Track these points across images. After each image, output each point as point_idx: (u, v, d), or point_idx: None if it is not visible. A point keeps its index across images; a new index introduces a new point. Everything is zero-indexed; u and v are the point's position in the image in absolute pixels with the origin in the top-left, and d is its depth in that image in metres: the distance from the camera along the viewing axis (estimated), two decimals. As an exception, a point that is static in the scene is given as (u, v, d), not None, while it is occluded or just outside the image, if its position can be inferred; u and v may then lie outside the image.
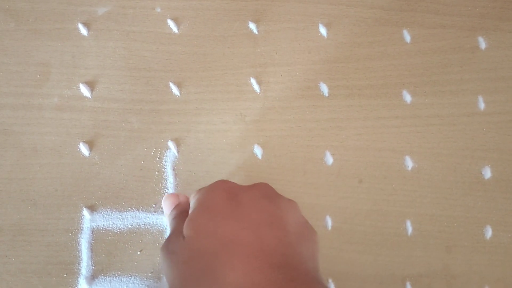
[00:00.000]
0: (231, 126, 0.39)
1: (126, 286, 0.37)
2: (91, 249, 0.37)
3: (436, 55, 0.41)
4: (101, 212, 0.38)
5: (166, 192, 0.38)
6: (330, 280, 0.38)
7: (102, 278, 0.37)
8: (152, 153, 0.38)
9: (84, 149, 0.38)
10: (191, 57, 0.39)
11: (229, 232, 0.26)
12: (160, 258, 0.30)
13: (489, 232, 0.39)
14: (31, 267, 0.37)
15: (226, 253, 0.26)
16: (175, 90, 0.39)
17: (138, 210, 0.38)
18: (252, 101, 0.39)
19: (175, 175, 0.38)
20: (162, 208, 0.37)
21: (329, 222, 0.38)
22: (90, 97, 0.38)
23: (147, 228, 0.38)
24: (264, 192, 0.29)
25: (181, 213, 0.32)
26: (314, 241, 0.29)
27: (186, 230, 0.28)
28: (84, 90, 0.38)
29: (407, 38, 0.41)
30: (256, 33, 0.40)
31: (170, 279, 0.27)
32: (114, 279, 0.37)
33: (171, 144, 0.38)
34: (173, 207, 0.34)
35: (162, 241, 0.37)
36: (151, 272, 0.37)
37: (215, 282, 0.25)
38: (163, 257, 0.28)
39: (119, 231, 0.37)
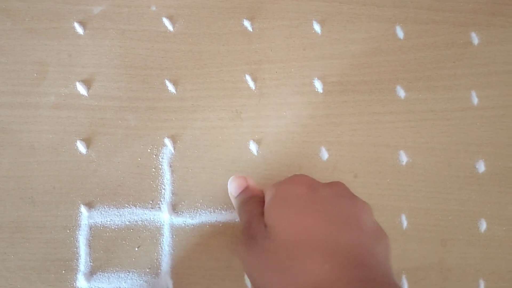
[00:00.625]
0: (227, 123, 0.39)
1: (124, 282, 0.37)
2: (89, 245, 0.37)
3: (429, 51, 0.41)
4: (98, 209, 0.38)
5: (163, 189, 0.38)
6: (326, 274, 0.38)
7: (100, 275, 0.37)
8: (149, 150, 0.39)
9: (81, 147, 0.38)
10: (187, 55, 0.40)
11: (312, 225, 0.27)
12: (239, 242, 0.29)
13: (483, 226, 0.40)
14: (29, 264, 0.37)
15: (308, 246, 0.26)
16: (171, 87, 0.39)
17: (136, 206, 0.38)
18: (248, 97, 0.40)
19: (172, 171, 0.39)
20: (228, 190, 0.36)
21: (325, 216, 0.39)
22: (87, 95, 0.39)
23: (145, 224, 0.38)
24: (342, 191, 0.30)
25: (252, 198, 0.32)
26: (387, 245, 0.29)
27: (268, 219, 0.28)
28: (81, 89, 0.39)
29: (400, 34, 0.41)
30: (251, 30, 0.40)
31: (249, 264, 0.28)
32: (112, 275, 0.37)
33: (167, 141, 0.39)
34: (241, 190, 0.34)
35: (160, 238, 0.38)
36: (149, 268, 0.38)
37: (296, 274, 0.25)
38: (243, 241, 0.29)
39: (116, 228, 0.38)
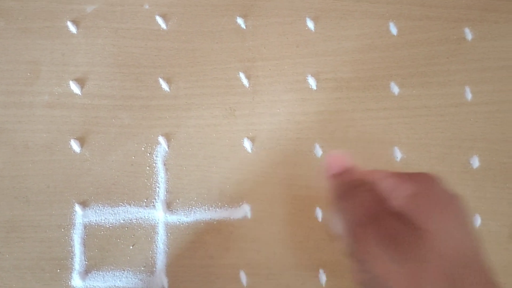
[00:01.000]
0: (220, 121, 0.39)
1: (119, 281, 0.37)
2: (83, 244, 0.38)
3: (423, 47, 0.41)
4: (93, 208, 0.38)
5: (158, 187, 0.38)
6: (321, 271, 0.38)
7: (95, 273, 0.37)
8: (143, 149, 0.39)
9: (75, 146, 0.38)
10: (180, 53, 0.40)
11: (465, 239, 0.23)
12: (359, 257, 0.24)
13: (478, 221, 0.40)
14: (24, 263, 0.37)
15: (467, 265, 0.23)
16: (164, 85, 0.39)
17: (130, 205, 0.38)
18: (241, 95, 0.40)
19: (166, 169, 0.39)
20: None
21: (320, 213, 0.39)
22: (80, 94, 0.39)
23: (139, 222, 0.38)
24: (446, 191, 0.25)
25: (363, 185, 0.26)
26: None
27: (426, 223, 0.23)
28: (74, 87, 0.39)
29: (394, 30, 0.41)
30: (244, 28, 0.40)
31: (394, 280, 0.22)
32: (107, 273, 0.37)
33: (161, 139, 0.39)
34: (344, 170, 0.27)
35: (154, 236, 0.38)
36: (144, 266, 0.38)
37: None
38: (375, 251, 0.23)
39: (111, 226, 0.38)
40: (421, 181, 0.25)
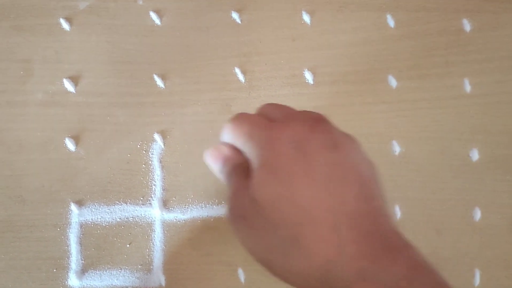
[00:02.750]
0: (216, 117, 0.39)
1: (117, 279, 0.37)
2: (80, 243, 0.37)
3: (421, 39, 0.40)
4: (89, 207, 0.38)
5: (154, 185, 0.38)
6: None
7: (92, 272, 0.37)
8: (139, 146, 0.38)
9: (70, 144, 0.38)
10: (175, 49, 0.39)
11: (308, 196, 0.24)
12: (230, 223, 0.26)
13: (478, 214, 0.39)
14: (20, 263, 0.37)
15: (311, 222, 0.23)
16: (159, 82, 0.39)
17: (126, 203, 0.38)
18: (238, 90, 0.39)
19: (162, 167, 0.38)
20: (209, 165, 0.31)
21: (318, 209, 0.38)
22: (74, 92, 0.38)
23: (136, 221, 0.38)
24: (328, 136, 0.25)
25: (235, 167, 0.28)
26: (376, 175, 0.26)
27: (259, 194, 0.24)
28: (68, 85, 0.38)
29: (391, 22, 0.40)
30: (239, 22, 0.40)
31: (252, 247, 0.25)
32: (104, 272, 0.37)
33: (157, 137, 0.38)
34: (223, 162, 0.29)
35: (151, 234, 0.38)
36: (141, 264, 0.37)
37: (303, 255, 0.23)
38: (233, 223, 0.26)
39: (107, 225, 0.37)
40: (257, 156, 0.26)
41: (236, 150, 0.29)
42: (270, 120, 0.27)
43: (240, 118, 0.27)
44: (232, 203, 0.26)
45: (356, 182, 0.24)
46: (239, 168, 0.28)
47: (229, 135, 0.28)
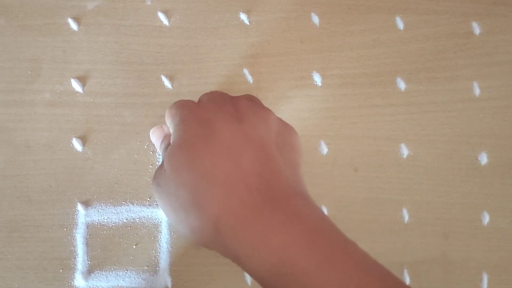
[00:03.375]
0: (224, 118, 0.39)
1: (123, 280, 0.37)
2: (86, 244, 0.37)
3: (430, 42, 0.40)
4: (95, 207, 0.37)
5: (161, 186, 0.38)
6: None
7: (98, 273, 0.37)
8: (146, 147, 0.38)
9: (77, 144, 0.38)
10: (183, 50, 0.39)
11: (206, 163, 0.27)
12: (152, 188, 0.30)
13: (486, 218, 0.39)
14: (27, 263, 0.37)
15: (206, 184, 0.26)
16: (167, 83, 0.39)
17: (133, 204, 0.38)
18: (245, 92, 0.39)
19: (169, 168, 0.38)
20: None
21: (325, 211, 0.38)
22: (82, 92, 0.38)
23: (142, 222, 0.38)
24: (234, 112, 0.29)
25: (168, 144, 0.32)
26: (293, 145, 0.30)
27: (165, 164, 0.28)
28: (76, 85, 0.38)
29: (400, 25, 0.40)
30: (248, 23, 0.40)
31: (164, 209, 0.29)
32: (110, 273, 0.37)
33: (164, 137, 0.38)
34: (161, 140, 0.33)
35: (158, 235, 0.37)
36: (147, 266, 0.37)
37: (200, 213, 0.26)
38: (153, 188, 0.30)
39: (114, 226, 0.37)
40: (172, 133, 0.30)
41: None
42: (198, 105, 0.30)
43: (175, 103, 0.31)
44: (155, 174, 0.30)
45: (253, 147, 0.27)
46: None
47: (166, 117, 0.31)
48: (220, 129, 0.28)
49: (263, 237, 0.24)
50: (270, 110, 0.30)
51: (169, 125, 0.31)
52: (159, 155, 0.38)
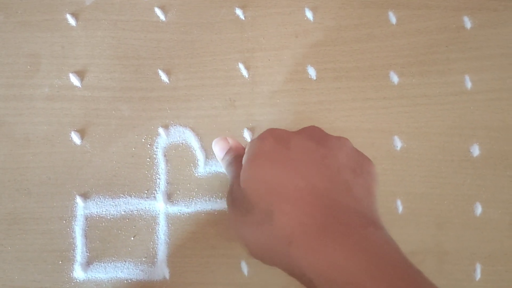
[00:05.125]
0: (220, 111, 0.39)
1: (121, 272, 0.37)
2: (85, 236, 0.38)
3: (422, 36, 0.41)
4: (94, 199, 0.38)
5: (158, 178, 0.38)
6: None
7: (97, 264, 0.37)
8: (143, 140, 0.39)
9: (75, 138, 0.38)
10: (179, 44, 0.40)
11: (279, 177, 0.27)
12: (227, 205, 0.30)
13: (479, 209, 0.40)
14: (26, 255, 0.37)
15: (279, 199, 0.26)
16: (164, 77, 0.39)
17: (131, 196, 0.38)
18: (241, 86, 0.40)
19: (167, 161, 0.39)
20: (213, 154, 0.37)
21: (320, 203, 0.39)
22: (80, 86, 0.39)
23: (140, 214, 0.38)
24: (311, 135, 0.29)
25: (235, 158, 0.32)
26: (370, 172, 0.29)
27: (241, 179, 0.28)
28: (74, 80, 0.39)
29: (393, 19, 0.41)
30: (243, 18, 0.40)
31: (235, 225, 0.28)
32: (109, 265, 0.38)
33: (161, 131, 0.39)
34: (226, 152, 0.33)
35: (155, 227, 0.38)
36: (145, 257, 0.38)
37: (271, 228, 0.26)
38: (228, 204, 0.30)
39: (112, 218, 0.38)
40: (246, 148, 0.30)
41: (239, 144, 0.34)
42: None
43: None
44: (230, 189, 0.30)
45: (327, 168, 0.27)
46: (239, 159, 0.31)
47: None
48: (296, 146, 0.28)
49: (334, 259, 0.24)
50: (347, 138, 0.30)
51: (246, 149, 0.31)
52: (156, 148, 0.39)
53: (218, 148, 0.34)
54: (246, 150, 0.30)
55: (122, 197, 0.38)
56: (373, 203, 0.28)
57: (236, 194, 0.29)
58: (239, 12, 0.40)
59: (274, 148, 0.28)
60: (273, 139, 0.29)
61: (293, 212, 0.25)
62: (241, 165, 0.30)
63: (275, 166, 0.27)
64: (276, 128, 0.30)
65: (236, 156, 0.32)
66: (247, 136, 0.39)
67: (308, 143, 0.29)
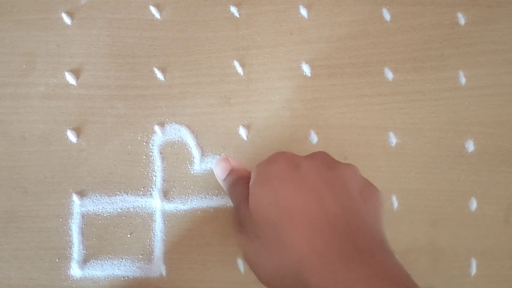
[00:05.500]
0: (216, 109, 0.40)
1: (118, 269, 0.38)
2: (82, 233, 0.38)
3: (416, 32, 0.41)
4: (90, 197, 0.38)
5: (154, 176, 0.39)
6: (318, 256, 0.38)
7: (93, 262, 0.38)
8: (139, 138, 0.39)
9: (71, 136, 0.38)
10: (174, 42, 0.40)
11: (292, 200, 0.27)
12: (232, 228, 0.31)
13: (474, 205, 0.40)
14: (23, 253, 0.37)
15: (291, 222, 0.26)
16: (159, 75, 0.39)
17: (127, 194, 0.38)
18: (236, 83, 0.40)
19: (163, 158, 0.39)
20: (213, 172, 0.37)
21: (316, 199, 0.39)
22: (76, 84, 0.39)
23: (136, 211, 0.38)
24: (323, 160, 0.29)
25: (238, 179, 0.32)
26: (378, 200, 0.29)
27: (250, 203, 0.28)
28: (70, 78, 0.39)
29: (387, 16, 0.41)
30: (238, 16, 0.41)
31: (244, 250, 0.28)
32: (106, 262, 0.38)
33: (157, 128, 0.39)
34: (227, 173, 0.33)
35: (152, 224, 0.38)
36: (142, 254, 0.38)
37: (282, 251, 0.25)
38: (234, 228, 0.29)
39: (109, 215, 0.38)
40: (254, 170, 0.31)
41: (241, 165, 0.34)
42: None
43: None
44: (235, 212, 0.29)
45: (337, 191, 0.27)
46: (243, 180, 0.31)
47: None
48: (308, 169, 0.28)
49: (347, 284, 0.23)
50: (355, 165, 0.30)
51: (252, 171, 0.31)
52: (152, 145, 0.39)
53: (220, 169, 0.34)
54: (254, 172, 0.30)
55: (119, 194, 0.38)
56: (382, 228, 0.28)
57: (243, 217, 0.28)
58: (233, 9, 0.40)
59: (285, 170, 0.28)
60: (284, 162, 0.29)
61: (306, 237, 0.25)
62: (246, 187, 0.29)
63: (287, 189, 0.27)
64: (285, 152, 0.30)
65: (239, 178, 0.32)
66: (243, 133, 0.39)
67: (320, 167, 0.28)
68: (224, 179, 0.34)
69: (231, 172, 0.33)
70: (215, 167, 0.35)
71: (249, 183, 0.31)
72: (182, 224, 0.38)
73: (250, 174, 0.33)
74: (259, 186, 0.28)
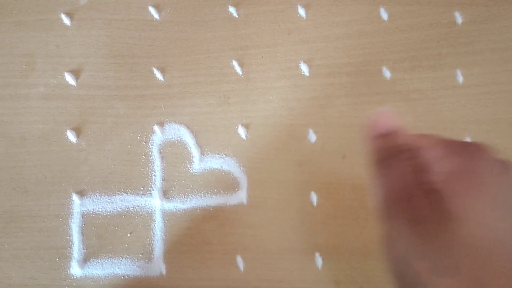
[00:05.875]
0: (215, 108, 0.40)
1: (118, 268, 0.38)
2: (82, 233, 0.38)
3: (413, 31, 0.41)
4: (90, 197, 0.38)
5: (154, 175, 0.39)
6: (317, 254, 0.38)
7: (93, 261, 0.38)
8: (139, 138, 0.39)
9: (71, 136, 0.39)
10: (173, 43, 0.40)
11: (506, 225, 0.20)
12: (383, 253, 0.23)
13: (471, 202, 0.40)
14: (24, 252, 0.37)
15: (500, 253, 0.19)
16: (158, 75, 0.40)
17: (127, 193, 0.38)
18: (235, 83, 0.40)
19: (162, 158, 0.39)
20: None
21: (314, 198, 0.39)
22: (76, 85, 0.39)
23: (136, 210, 0.38)
24: (493, 162, 0.22)
25: (404, 152, 0.23)
26: None
27: (455, 204, 0.20)
28: (69, 79, 0.39)
29: (385, 15, 0.41)
30: (236, 16, 0.41)
31: (410, 255, 0.21)
32: (106, 261, 0.38)
33: (156, 128, 0.39)
34: (387, 133, 0.24)
35: (152, 223, 0.38)
36: (142, 253, 0.38)
37: (483, 285, 0.19)
38: (387, 254, 0.22)
39: (108, 215, 0.38)
40: (467, 155, 0.22)
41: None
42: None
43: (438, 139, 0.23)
44: (400, 197, 0.22)
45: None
46: (409, 154, 0.23)
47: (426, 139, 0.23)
48: (483, 173, 0.21)
49: None
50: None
51: (439, 146, 0.23)
52: (152, 145, 0.39)
53: (379, 121, 0.24)
54: (449, 160, 0.22)
55: (118, 194, 0.38)
56: None
57: (426, 214, 0.20)
58: (232, 10, 0.41)
59: (501, 181, 0.21)
60: (497, 167, 0.21)
61: (473, 267, 0.19)
62: (417, 170, 0.22)
63: (504, 209, 0.20)
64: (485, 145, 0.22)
65: (405, 150, 0.23)
66: (242, 132, 0.39)
67: (496, 170, 0.21)
68: (377, 139, 0.24)
69: (394, 135, 0.23)
70: (374, 118, 0.24)
71: (418, 164, 0.22)
72: (181, 223, 0.38)
73: (418, 151, 0.23)
74: (469, 187, 0.21)
